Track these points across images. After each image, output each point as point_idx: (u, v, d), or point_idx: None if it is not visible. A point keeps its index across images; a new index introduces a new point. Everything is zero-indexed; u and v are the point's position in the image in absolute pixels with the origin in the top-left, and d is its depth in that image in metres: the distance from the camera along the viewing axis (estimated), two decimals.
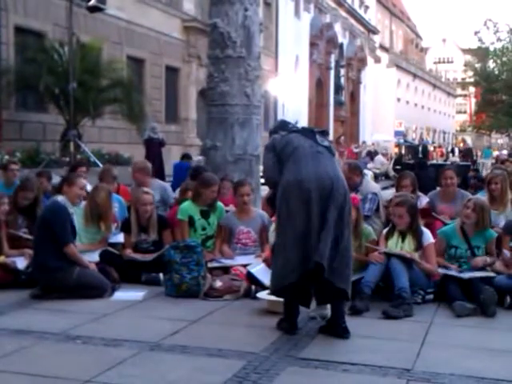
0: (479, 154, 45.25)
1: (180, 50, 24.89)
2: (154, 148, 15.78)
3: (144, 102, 17.32)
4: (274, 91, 30.81)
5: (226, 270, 6.41)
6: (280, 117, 33.17)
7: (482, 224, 6.05)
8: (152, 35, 22.68)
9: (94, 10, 14.72)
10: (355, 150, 31.07)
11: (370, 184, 7.91)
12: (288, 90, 31.98)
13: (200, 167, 8.65)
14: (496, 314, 5.33)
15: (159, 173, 13.44)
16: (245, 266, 6.26)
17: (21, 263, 6.23)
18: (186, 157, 14.37)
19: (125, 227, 6.88)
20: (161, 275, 6.24)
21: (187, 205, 7.00)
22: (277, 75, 32.14)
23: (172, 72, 24.69)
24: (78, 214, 6.63)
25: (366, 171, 11.10)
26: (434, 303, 5.67)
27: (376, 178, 19.28)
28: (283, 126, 5.13)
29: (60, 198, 6.10)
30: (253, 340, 4.59)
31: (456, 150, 49.87)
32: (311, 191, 4.52)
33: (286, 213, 4.62)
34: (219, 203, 7.13)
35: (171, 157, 18.97)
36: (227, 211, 7.19)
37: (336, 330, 4.70)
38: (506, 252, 5.90)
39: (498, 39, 41.93)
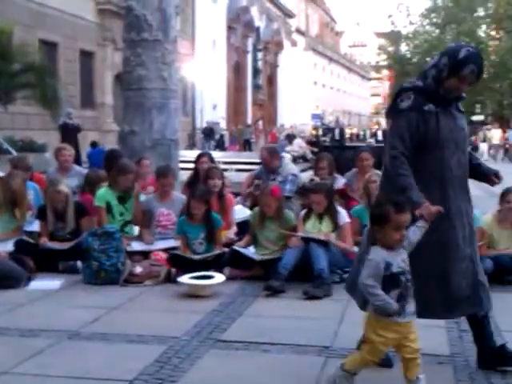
0: None
1: (94, 33, 24.39)
2: (69, 134, 15.55)
3: (58, 86, 16.91)
4: (191, 76, 30.63)
5: (146, 254, 6.36)
6: (198, 101, 33.15)
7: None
8: (65, 18, 22.12)
9: None
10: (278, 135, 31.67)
11: (288, 166, 8.08)
12: (206, 74, 31.87)
13: (115, 151, 8.50)
14: None
15: (75, 159, 13.20)
16: (165, 250, 6.25)
17: None
18: (95, 144, 14.57)
19: (41, 215, 6.71)
20: (79, 263, 6.13)
21: (104, 191, 6.88)
22: (194, 58, 31.96)
23: (87, 56, 24.19)
24: None
25: (284, 154, 11.23)
26: None
27: (294, 160, 19.54)
28: None
29: None
30: (174, 324, 4.58)
31: (379, 134, 50.65)
32: None
33: None
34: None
35: (87, 143, 18.62)
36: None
37: None
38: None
39: (410, 23, 43.03)
